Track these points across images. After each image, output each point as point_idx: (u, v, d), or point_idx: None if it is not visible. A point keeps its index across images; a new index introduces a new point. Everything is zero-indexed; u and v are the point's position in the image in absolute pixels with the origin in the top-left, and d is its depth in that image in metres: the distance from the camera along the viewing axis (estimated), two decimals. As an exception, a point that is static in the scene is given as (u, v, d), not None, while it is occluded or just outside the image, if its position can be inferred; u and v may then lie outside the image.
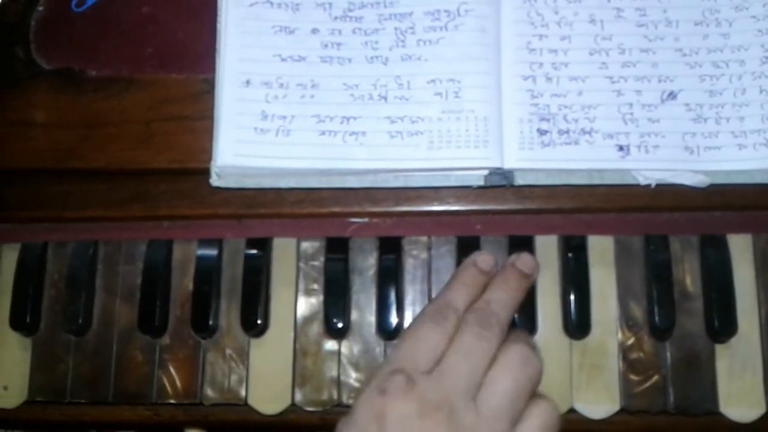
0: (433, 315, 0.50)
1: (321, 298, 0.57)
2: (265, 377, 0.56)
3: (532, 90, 0.55)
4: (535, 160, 0.54)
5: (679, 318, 0.55)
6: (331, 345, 0.57)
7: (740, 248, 0.56)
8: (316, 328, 0.57)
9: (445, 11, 0.56)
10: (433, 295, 0.57)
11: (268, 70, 0.56)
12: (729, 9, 0.56)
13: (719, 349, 0.54)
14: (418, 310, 0.56)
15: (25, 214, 0.58)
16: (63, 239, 0.59)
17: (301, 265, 0.58)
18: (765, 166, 0.54)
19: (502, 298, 0.51)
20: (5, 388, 0.58)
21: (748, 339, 0.54)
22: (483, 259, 0.53)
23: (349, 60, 0.56)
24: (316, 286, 0.57)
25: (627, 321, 0.55)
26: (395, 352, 0.50)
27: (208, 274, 0.57)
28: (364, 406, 0.47)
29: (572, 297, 0.55)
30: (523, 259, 0.53)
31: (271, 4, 0.57)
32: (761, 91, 0.54)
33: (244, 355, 0.57)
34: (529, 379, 0.48)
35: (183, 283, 0.58)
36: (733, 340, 0.54)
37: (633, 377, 0.54)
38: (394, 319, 0.56)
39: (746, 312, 0.55)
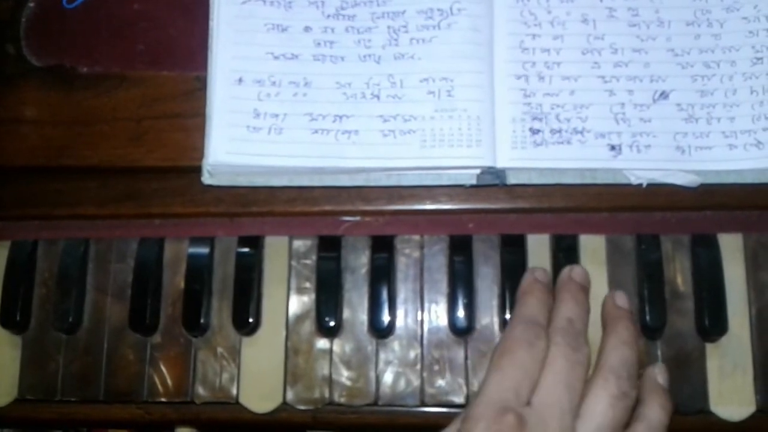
0: (525, 336, 0.49)
1: (313, 296, 0.57)
2: (257, 376, 0.56)
3: (524, 89, 0.55)
4: (528, 159, 0.54)
5: (670, 317, 0.55)
6: (322, 343, 0.57)
7: (731, 248, 0.56)
8: (308, 326, 0.57)
9: (438, 10, 0.56)
10: (426, 294, 0.57)
11: (260, 67, 0.56)
12: (720, 10, 0.56)
13: (710, 348, 0.55)
14: (410, 308, 0.57)
15: (15, 212, 0.58)
16: (54, 237, 0.59)
17: (293, 263, 0.58)
18: (755, 166, 0.54)
19: (580, 314, 0.51)
20: (-5, 386, 0.58)
21: (739, 338, 0.55)
22: (541, 273, 0.54)
23: (342, 58, 0.56)
24: (308, 285, 0.57)
25: (618, 320, 0.55)
26: (495, 383, 0.48)
27: (199, 273, 0.57)
28: None
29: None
30: (578, 272, 0.54)
31: (264, 1, 0.57)
32: (752, 92, 0.55)
33: (235, 354, 0.57)
34: (626, 411, 0.49)
35: (174, 281, 0.58)
36: (724, 339, 0.55)
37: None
38: (386, 318, 0.56)
39: (736, 311, 0.55)
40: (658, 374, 0.52)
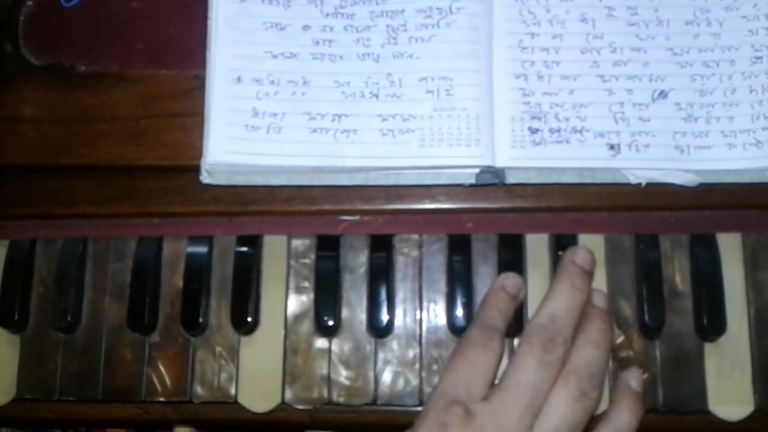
0: (479, 338, 0.50)
1: (311, 295, 0.57)
2: (255, 375, 0.56)
3: (523, 88, 0.55)
4: (527, 158, 0.54)
5: (669, 317, 0.55)
6: (321, 343, 0.57)
7: (729, 247, 0.56)
8: (307, 326, 0.57)
9: (437, 9, 0.56)
10: (425, 293, 0.57)
11: (259, 66, 0.56)
12: (720, 9, 0.56)
13: (708, 347, 0.55)
14: (408, 307, 0.57)
15: (13, 211, 0.58)
16: (52, 236, 0.59)
17: (292, 262, 0.58)
18: (754, 166, 0.54)
19: (569, 307, 0.51)
20: (-7, 385, 0.58)
21: (737, 338, 0.55)
22: (511, 283, 0.53)
23: (341, 57, 0.56)
24: (306, 284, 0.57)
25: (617, 319, 0.55)
26: (446, 379, 0.49)
27: (198, 272, 0.57)
28: None
29: (563, 295, 0.55)
30: (581, 255, 0.53)
31: (262, 0, 0.57)
32: (751, 91, 0.55)
33: (234, 353, 0.57)
34: (585, 412, 0.49)
35: (173, 280, 0.58)
36: (722, 339, 0.55)
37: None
38: (384, 317, 0.56)
39: (735, 311, 0.55)
40: (632, 378, 0.52)
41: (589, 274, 0.53)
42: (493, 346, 0.50)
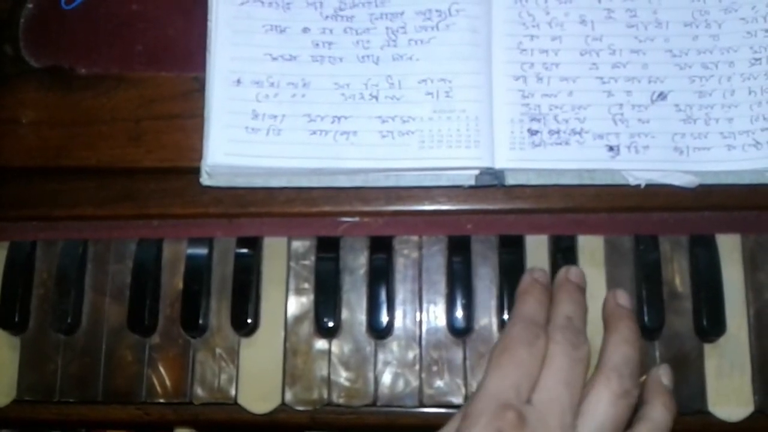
0: (525, 335, 0.49)
1: (311, 297, 0.57)
2: (255, 376, 0.56)
3: (523, 90, 0.55)
4: (526, 160, 0.54)
5: (669, 318, 0.55)
6: (321, 344, 0.57)
7: (729, 248, 0.56)
8: (307, 327, 0.57)
9: (437, 11, 0.56)
10: (424, 295, 0.57)
11: (258, 68, 0.56)
12: (718, 11, 0.56)
13: (708, 348, 0.55)
14: (408, 309, 0.57)
15: (13, 213, 0.58)
16: (52, 238, 0.59)
17: (292, 264, 0.58)
18: (753, 167, 0.54)
19: (578, 313, 0.52)
20: (-7, 387, 0.58)
21: (737, 338, 0.55)
22: (540, 274, 0.54)
23: (340, 59, 0.56)
24: (306, 286, 0.57)
25: (616, 320, 0.55)
26: (495, 380, 0.48)
27: (198, 273, 0.57)
28: None
29: (562, 297, 0.55)
30: (574, 273, 0.54)
31: (262, 2, 0.57)
32: (750, 93, 0.55)
33: (234, 355, 0.57)
34: (628, 409, 0.49)
35: (173, 282, 0.58)
36: (722, 340, 0.55)
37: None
38: (384, 319, 0.56)
39: (734, 312, 0.55)
40: (663, 375, 0.52)
41: (583, 291, 0.54)
42: (540, 345, 0.49)
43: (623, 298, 0.53)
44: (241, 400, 0.56)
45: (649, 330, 0.55)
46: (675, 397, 0.53)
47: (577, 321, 0.51)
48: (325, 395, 0.56)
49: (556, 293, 0.53)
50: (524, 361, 0.48)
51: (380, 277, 0.56)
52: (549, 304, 0.53)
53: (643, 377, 0.53)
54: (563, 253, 0.56)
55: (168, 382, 0.57)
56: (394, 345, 0.56)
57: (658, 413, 0.50)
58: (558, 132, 0.55)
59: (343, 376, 0.56)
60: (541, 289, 0.53)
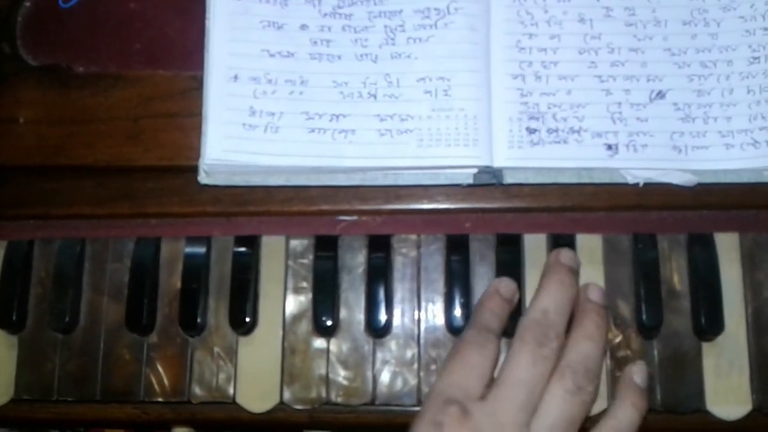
0: (476, 339, 0.51)
1: (310, 296, 0.57)
2: (254, 375, 0.56)
3: (521, 89, 0.55)
4: (524, 158, 0.54)
5: (667, 316, 0.55)
6: (319, 343, 0.57)
7: (727, 247, 0.56)
8: (305, 326, 0.57)
9: (435, 9, 0.56)
10: (423, 294, 0.57)
11: (256, 65, 0.56)
12: (717, 9, 0.56)
13: (706, 347, 0.55)
14: (407, 307, 0.57)
15: (11, 212, 0.58)
16: (50, 237, 0.59)
17: (290, 263, 0.58)
18: (752, 166, 0.54)
19: (559, 302, 0.51)
20: (-9, 386, 0.58)
21: (735, 337, 0.55)
22: (504, 287, 0.54)
23: (339, 57, 0.56)
24: (304, 284, 0.57)
25: (615, 319, 0.55)
26: (443, 380, 0.50)
27: (196, 272, 0.57)
28: None
29: (561, 295, 0.55)
30: (566, 254, 0.53)
31: (260, -1, 0.57)
32: (748, 91, 0.55)
33: (232, 354, 0.57)
34: (582, 406, 0.49)
35: (171, 281, 0.58)
36: (720, 339, 0.55)
37: (621, 375, 0.54)
38: (383, 317, 0.56)
39: (733, 310, 0.55)
40: (636, 373, 0.52)
41: (575, 272, 0.54)
42: (490, 347, 0.50)
43: (595, 293, 0.53)
44: (239, 399, 0.56)
45: (647, 329, 0.55)
46: (672, 396, 0.53)
47: (554, 314, 0.51)
48: (324, 394, 0.56)
49: (543, 278, 0.53)
50: (473, 362, 0.49)
51: (379, 275, 0.56)
52: (506, 314, 0.53)
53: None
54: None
55: (166, 381, 0.56)
56: (392, 344, 0.56)
57: (625, 412, 0.50)
58: (556, 130, 0.54)
59: (341, 375, 0.56)
60: (500, 302, 0.53)
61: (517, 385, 0.48)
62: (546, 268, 0.54)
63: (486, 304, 0.53)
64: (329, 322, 0.56)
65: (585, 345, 0.50)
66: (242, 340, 0.57)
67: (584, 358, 0.50)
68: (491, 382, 0.50)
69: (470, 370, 0.49)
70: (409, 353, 0.56)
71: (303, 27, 0.57)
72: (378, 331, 0.56)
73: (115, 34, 0.59)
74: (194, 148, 0.55)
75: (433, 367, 0.56)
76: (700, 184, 0.54)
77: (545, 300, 0.52)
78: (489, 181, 0.54)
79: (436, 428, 0.47)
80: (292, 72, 0.56)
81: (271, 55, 0.56)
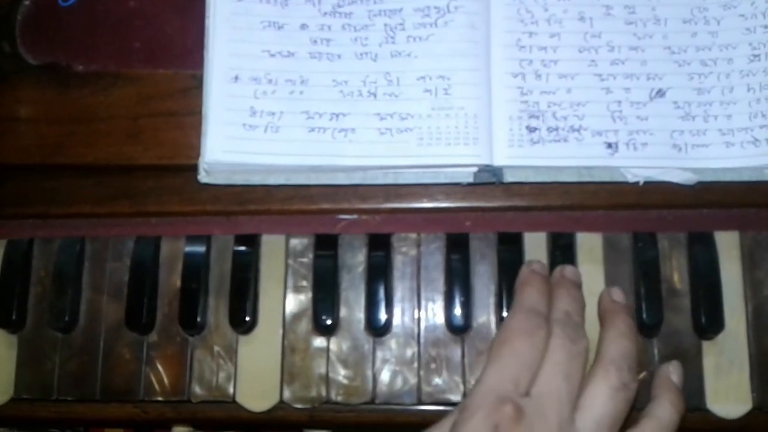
0: (525, 326, 0.49)
1: (310, 295, 0.57)
2: (254, 374, 0.56)
3: (521, 87, 0.55)
4: (525, 157, 0.54)
5: (667, 315, 0.55)
6: (319, 342, 0.57)
7: (727, 246, 0.56)
8: (305, 325, 0.57)
9: (435, 8, 0.56)
10: (423, 292, 0.57)
11: (256, 65, 0.56)
12: (717, 7, 0.56)
13: (706, 345, 0.55)
14: (407, 306, 0.57)
15: (11, 210, 0.58)
16: (49, 236, 0.59)
17: (290, 261, 0.58)
18: (752, 164, 0.54)
19: (576, 308, 0.52)
20: (-9, 385, 0.58)
21: (735, 336, 0.55)
22: (538, 266, 0.54)
23: (339, 56, 0.56)
24: (304, 283, 0.57)
25: (615, 318, 0.55)
26: (493, 374, 0.48)
27: (196, 271, 0.57)
28: None
29: (561, 294, 0.55)
30: (569, 271, 0.54)
31: (260, -1, 0.57)
32: (749, 90, 0.55)
33: (232, 353, 0.57)
34: (627, 403, 0.49)
35: (171, 280, 0.58)
36: (720, 337, 0.55)
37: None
38: (383, 316, 0.56)
39: (733, 309, 0.55)
40: (672, 372, 0.52)
41: (580, 287, 0.54)
42: (540, 335, 0.49)
43: (618, 294, 0.54)
44: (239, 398, 0.56)
45: (648, 327, 0.55)
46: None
47: (575, 316, 0.51)
48: (324, 393, 0.56)
49: (553, 290, 0.53)
50: (524, 353, 0.48)
51: (379, 274, 0.56)
52: (549, 294, 0.53)
53: (642, 374, 0.53)
54: (562, 250, 0.56)
55: (166, 380, 0.56)
56: (392, 343, 0.56)
57: (665, 411, 0.50)
58: (556, 129, 0.54)
59: (341, 374, 0.56)
60: (541, 279, 0.53)
61: (560, 380, 0.48)
62: (553, 283, 0.54)
63: (528, 284, 0.52)
64: (329, 321, 0.56)
65: (623, 342, 0.50)
66: (242, 339, 0.57)
67: (625, 355, 0.50)
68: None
69: (522, 362, 0.48)
70: (409, 352, 0.56)
71: (303, 26, 0.57)
72: (378, 330, 0.56)
73: (115, 33, 0.59)
74: (194, 147, 0.55)
75: (433, 366, 0.56)
76: (700, 183, 0.54)
77: (563, 304, 0.52)
78: (489, 180, 0.54)
79: (493, 430, 0.46)
80: (292, 71, 0.56)
81: (272, 55, 0.56)
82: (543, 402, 0.47)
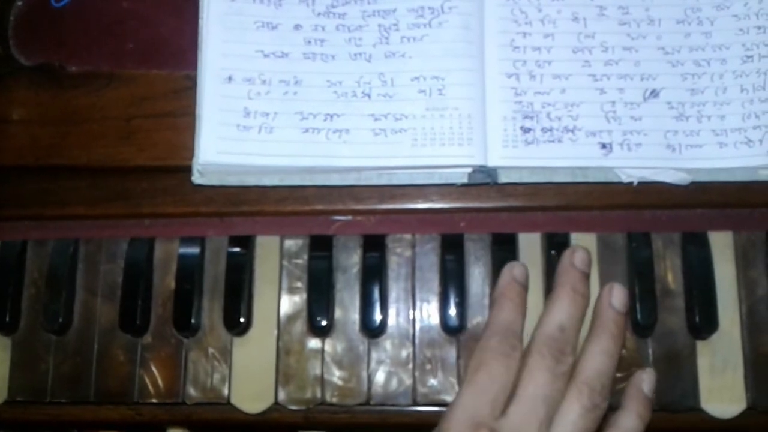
0: (501, 348, 0.49)
1: (304, 296, 0.57)
2: (248, 376, 0.56)
3: (515, 88, 0.55)
4: (519, 157, 0.54)
5: (661, 315, 0.55)
6: (314, 343, 0.57)
7: (721, 245, 0.56)
8: (300, 326, 0.57)
9: (429, 8, 0.56)
10: (417, 293, 0.57)
11: (250, 66, 0.56)
12: (710, 8, 0.56)
13: (700, 345, 0.55)
14: (402, 307, 0.57)
15: (4, 212, 0.58)
16: (43, 237, 0.59)
17: (285, 263, 0.58)
18: (746, 164, 0.54)
19: (574, 314, 0.51)
20: (-16, 388, 0.57)
21: (729, 336, 0.55)
22: (519, 271, 0.53)
23: (333, 57, 0.56)
24: (299, 284, 0.57)
25: (609, 318, 0.55)
26: (469, 396, 0.48)
27: (190, 273, 0.57)
28: None
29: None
30: (580, 257, 0.52)
31: (254, -1, 0.57)
32: (742, 90, 0.55)
33: (226, 354, 0.57)
34: (596, 422, 0.49)
35: (165, 281, 0.58)
36: (714, 337, 0.55)
37: (616, 374, 0.54)
38: (377, 317, 0.56)
39: (727, 309, 0.55)
40: (644, 381, 0.52)
41: (588, 276, 0.53)
42: (515, 356, 0.49)
43: (618, 298, 0.52)
44: (234, 400, 0.56)
45: (642, 327, 0.55)
46: (667, 395, 0.53)
47: (570, 329, 0.51)
48: (319, 394, 0.56)
49: (556, 285, 0.52)
50: (500, 375, 0.49)
51: (373, 275, 0.56)
52: (525, 305, 0.52)
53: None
54: (556, 250, 0.56)
55: (160, 382, 0.56)
56: (387, 344, 0.56)
57: (631, 422, 0.50)
58: (551, 130, 0.54)
59: (336, 375, 0.56)
60: (519, 291, 0.52)
61: (538, 401, 0.48)
62: (559, 272, 0.53)
63: (507, 294, 0.52)
64: (324, 322, 0.56)
65: (600, 360, 0.50)
66: (237, 340, 0.57)
67: (600, 375, 0.50)
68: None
69: (497, 386, 0.48)
70: (404, 353, 0.56)
71: (297, 27, 0.57)
72: (373, 331, 0.56)
73: (108, 34, 0.59)
74: (188, 148, 0.55)
75: (428, 366, 0.56)
76: (694, 183, 0.54)
77: (560, 314, 0.51)
78: (483, 181, 0.54)
79: None
80: (286, 72, 0.56)
81: (266, 56, 0.56)
82: (520, 422, 0.47)
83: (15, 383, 0.57)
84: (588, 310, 0.53)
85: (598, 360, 0.50)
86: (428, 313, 0.57)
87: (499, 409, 0.48)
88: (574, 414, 0.48)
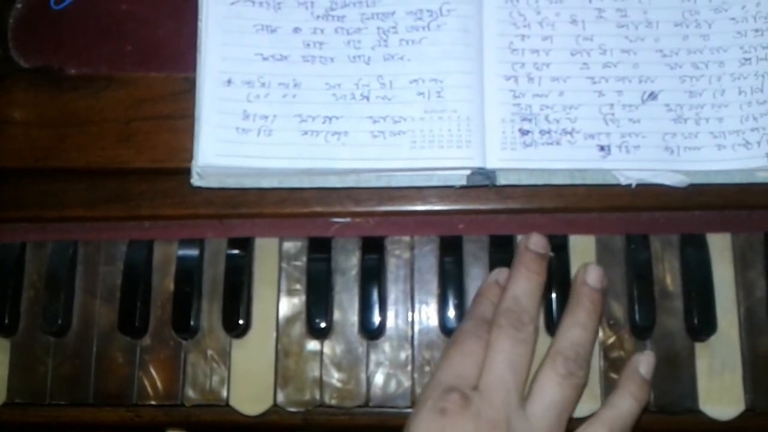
0: (474, 330, 0.52)
1: (303, 298, 0.57)
2: (247, 378, 0.56)
3: (514, 90, 0.55)
4: (517, 160, 0.54)
5: (660, 317, 0.55)
6: (313, 345, 0.57)
7: (719, 247, 0.56)
8: (299, 328, 0.57)
9: (428, 11, 0.56)
10: (416, 295, 0.57)
11: (249, 69, 0.56)
12: (708, 11, 0.56)
13: (699, 347, 0.55)
14: (400, 309, 0.57)
15: (3, 214, 0.58)
16: (42, 239, 0.59)
17: (284, 265, 0.58)
18: (744, 166, 0.54)
19: (528, 288, 0.53)
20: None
21: (728, 337, 0.55)
22: (504, 277, 0.54)
23: (332, 59, 0.56)
24: (298, 286, 0.57)
25: (608, 320, 0.56)
26: (443, 369, 0.51)
27: (189, 275, 0.57)
28: (423, 427, 0.49)
29: (554, 296, 0.55)
30: (534, 240, 0.54)
31: (253, 2, 0.57)
32: (740, 92, 0.55)
33: (225, 356, 0.57)
34: (575, 389, 0.50)
35: (164, 283, 0.58)
36: (713, 339, 0.55)
37: (614, 376, 0.55)
38: (376, 319, 0.56)
39: (725, 311, 0.55)
40: (641, 363, 0.53)
41: (544, 257, 0.54)
42: (485, 337, 0.51)
43: (592, 276, 0.53)
44: (232, 402, 0.56)
45: (641, 329, 0.55)
46: (666, 397, 0.53)
47: (525, 299, 0.52)
48: (318, 396, 0.56)
49: (512, 268, 0.54)
50: (471, 351, 0.51)
51: (372, 277, 0.56)
52: None
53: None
54: (555, 252, 0.56)
55: (159, 384, 0.56)
56: (386, 345, 0.56)
57: (625, 401, 0.51)
58: (549, 132, 0.55)
59: (335, 377, 0.56)
60: (498, 292, 0.54)
61: (502, 366, 0.50)
62: (514, 258, 0.54)
63: (485, 294, 0.54)
64: (323, 324, 0.56)
65: (575, 332, 0.52)
66: (235, 342, 0.57)
67: (574, 345, 0.51)
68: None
69: (469, 359, 0.51)
70: (402, 355, 0.56)
71: (296, 30, 0.57)
72: (371, 333, 0.56)
73: (107, 36, 0.59)
74: (187, 150, 0.55)
75: (427, 368, 0.56)
76: (692, 185, 0.54)
77: (514, 288, 0.53)
78: (482, 183, 0.54)
79: (440, 414, 0.48)
80: (285, 75, 0.56)
81: (265, 59, 0.56)
82: (489, 391, 0.49)
83: (14, 385, 0.57)
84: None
85: (571, 331, 0.52)
86: (427, 314, 0.57)
87: (470, 380, 0.50)
88: (550, 381, 0.50)
